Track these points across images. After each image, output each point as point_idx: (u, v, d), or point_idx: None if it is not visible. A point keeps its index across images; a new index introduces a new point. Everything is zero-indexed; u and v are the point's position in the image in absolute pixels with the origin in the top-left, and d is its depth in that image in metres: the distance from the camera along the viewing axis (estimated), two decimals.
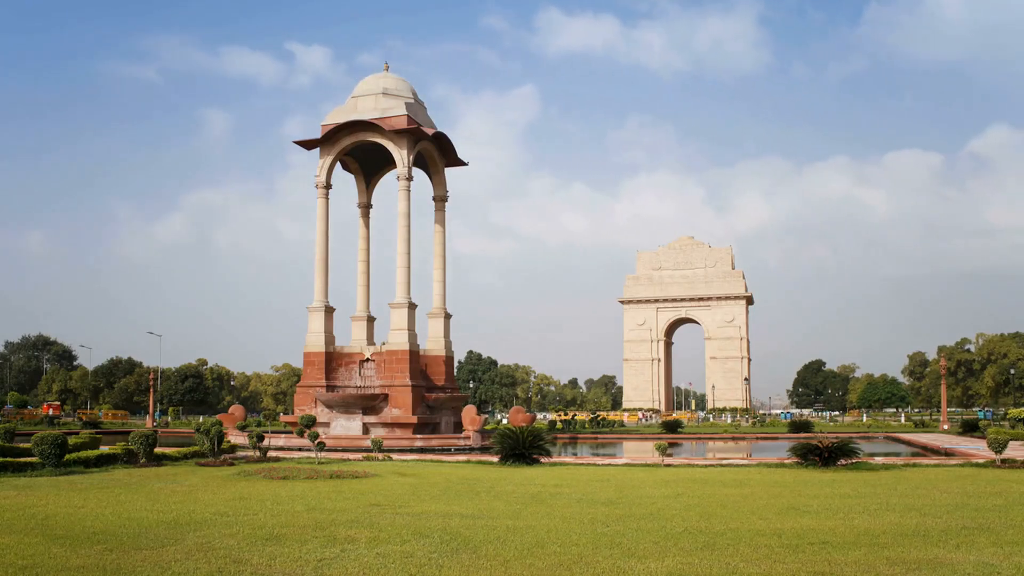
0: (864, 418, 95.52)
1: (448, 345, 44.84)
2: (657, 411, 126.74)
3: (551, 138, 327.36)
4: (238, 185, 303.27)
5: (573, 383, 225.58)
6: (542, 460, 26.44)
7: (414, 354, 41.53)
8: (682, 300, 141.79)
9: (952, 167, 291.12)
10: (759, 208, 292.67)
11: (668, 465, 24.94)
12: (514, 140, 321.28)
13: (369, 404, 40.53)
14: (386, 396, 40.58)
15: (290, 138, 54.00)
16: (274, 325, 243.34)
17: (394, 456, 28.82)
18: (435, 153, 45.30)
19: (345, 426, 40.42)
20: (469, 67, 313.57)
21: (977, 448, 32.25)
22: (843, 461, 23.77)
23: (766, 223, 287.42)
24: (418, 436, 38.71)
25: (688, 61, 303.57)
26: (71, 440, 24.39)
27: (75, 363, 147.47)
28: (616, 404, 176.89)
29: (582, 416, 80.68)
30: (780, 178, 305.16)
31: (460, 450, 36.15)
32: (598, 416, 72.57)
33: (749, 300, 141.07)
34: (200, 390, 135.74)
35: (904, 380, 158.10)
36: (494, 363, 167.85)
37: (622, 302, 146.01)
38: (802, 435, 44.68)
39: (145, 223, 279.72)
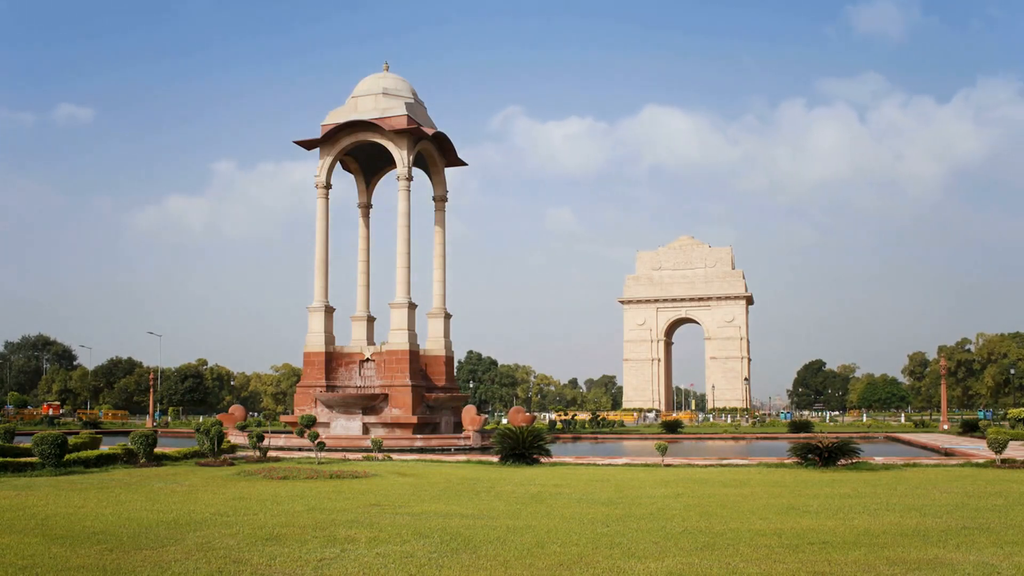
0: (864, 418, 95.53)
1: (448, 345, 44.85)
2: (657, 411, 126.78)
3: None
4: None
5: (573, 383, 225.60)
6: (542, 460, 26.43)
7: (414, 354, 41.54)
8: (682, 300, 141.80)
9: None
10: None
11: (668, 465, 24.93)
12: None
13: (369, 404, 40.54)
14: (386, 396, 40.58)
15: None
16: (274, 325, 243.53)
17: (394, 456, 28.84)
18: (435, 153, 45.31)
19: (345, 426, 40.42)
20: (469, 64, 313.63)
21: (977, 448, 32.24)
22: (843, 461, 23.78)
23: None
24: (418, 436, 38.71)
25: None
26: (71, 440, 24.39)
27: (75, 363, 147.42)
28: (616, 404, 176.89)
29: (582, 416, 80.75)
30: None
31: (460, 450, 36.13)
32: (598, 416, 72.57)
33: (749, 300, 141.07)
34: (200, 390, 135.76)
35: (904, 380, 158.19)
36: (494, 363, 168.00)
37: (622, 302, 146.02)
38: (802, 435, 44.65)
39: (145, 222, 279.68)
